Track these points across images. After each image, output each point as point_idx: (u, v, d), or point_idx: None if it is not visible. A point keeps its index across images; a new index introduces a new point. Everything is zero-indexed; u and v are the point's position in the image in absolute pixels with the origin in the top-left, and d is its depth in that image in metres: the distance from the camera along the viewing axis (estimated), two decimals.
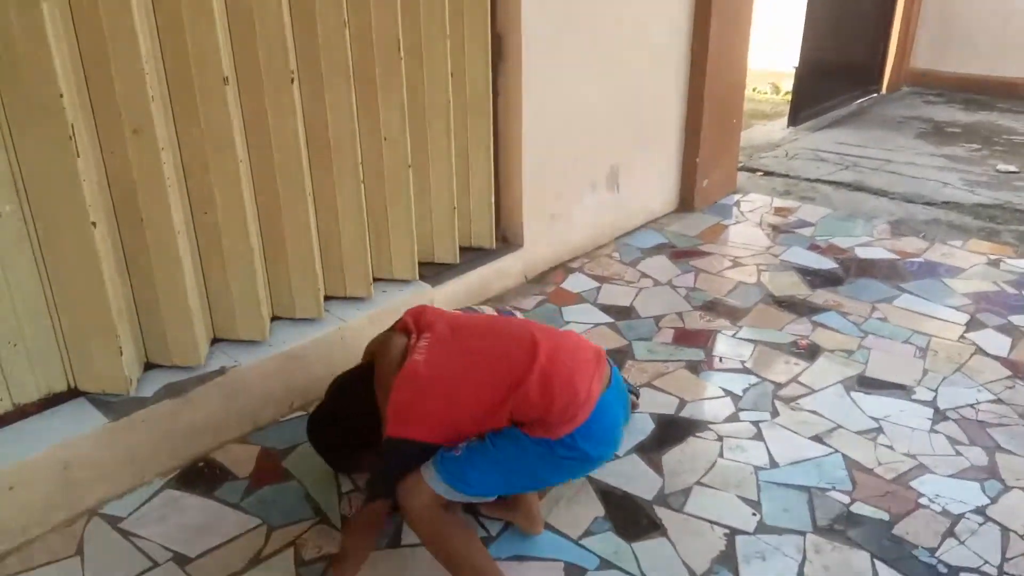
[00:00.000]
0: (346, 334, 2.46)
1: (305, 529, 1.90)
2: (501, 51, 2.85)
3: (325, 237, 2.44)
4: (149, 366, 2.17)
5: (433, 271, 2.81)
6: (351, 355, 2.46)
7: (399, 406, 1.68)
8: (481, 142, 2.83)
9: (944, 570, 1.76)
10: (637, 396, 2.32)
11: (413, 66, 2.52)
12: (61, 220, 1.83)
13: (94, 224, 1.84)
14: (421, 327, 1.84)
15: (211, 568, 1.79)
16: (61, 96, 1.71)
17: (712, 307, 2.97)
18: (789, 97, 5.96)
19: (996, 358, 2.60)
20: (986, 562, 1.78)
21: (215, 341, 2.30)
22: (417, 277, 2.71)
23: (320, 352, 2.40)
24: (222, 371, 2.19)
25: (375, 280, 2.60)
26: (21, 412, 1.96)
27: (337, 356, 2.44)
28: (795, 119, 5.81)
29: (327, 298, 2.50)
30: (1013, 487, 2.01)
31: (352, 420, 1.88)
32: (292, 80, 2.13)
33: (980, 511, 1.93)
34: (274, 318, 2.41)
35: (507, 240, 3.14)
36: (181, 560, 1.81)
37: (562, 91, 3.08)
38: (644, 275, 3.24)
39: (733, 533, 1.88)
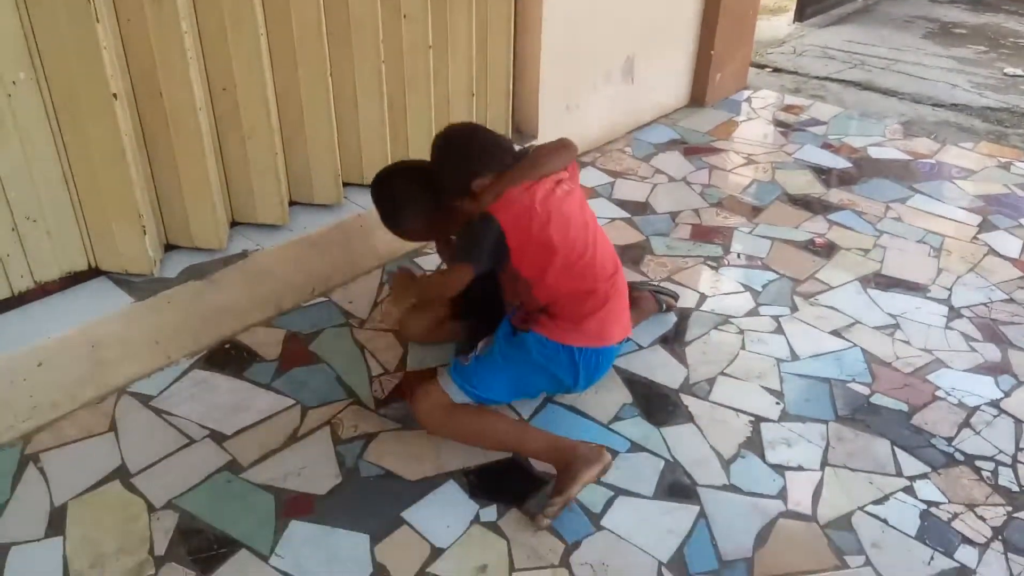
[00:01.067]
0: (365, 222, 2.41)
1: (340, 409, 1.92)
2: None
3: (344, 120, 2.35)
4: (169, 248, 2.13)
5: None
6: (370, 243, 2.44)
7: (509, 199, 1.72)
8: (501, 26, 2.71)
9: (961, 458, 1.83)
10: (676, 299, 2.30)
11: None
12: (80, 90, 1.74)
13: (115, 96, 1.75)
14: (572, 174, 1.90)
15: (249, 445, 1.81)
16: None
17: (728, 204, 2.95)
18: None
19: (1008, 259, 2.64)
20: (1001, 451, 1.85)
21: (235, 224, 2.25)
22: None
23: (339, 239, 2.37)
24: (244, 255, 2.15)
25: None
26: (43, 290, 1.93)
27: (356, 244, 2.41)
28: (801, 14, 5.65)
29: (346, 184, 2.44)
30: None
31: (444, 182, 1.87)
32: None
33: (994, 404, 2.00)
34: (293, 203, 2.36)
35: (521, 131, 3.06)
36: (218, 437, 1.83)
37: None
38: (658, 171, 3.20)
39: (758, 420, 1.93)
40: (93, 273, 2.00)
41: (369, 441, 1.83)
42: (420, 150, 2.57)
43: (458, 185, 1.79)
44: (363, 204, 2.42)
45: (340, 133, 2.34)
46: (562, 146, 1.86)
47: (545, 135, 3.05)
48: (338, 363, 2.07)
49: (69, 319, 1.87)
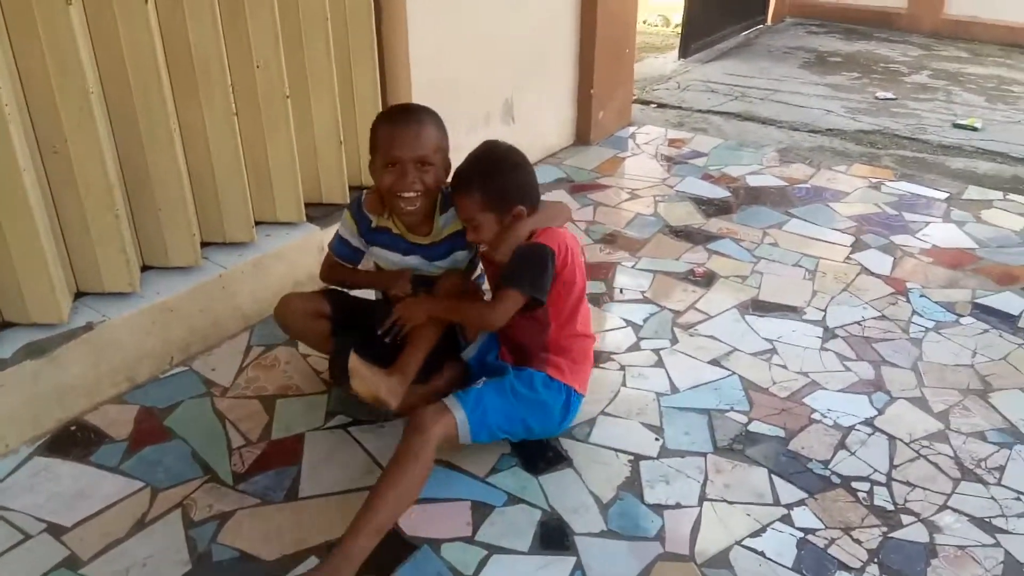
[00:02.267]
0: (227, 282, 2.30)
1: (194, 488, 1.78)
2: None
3: (196, 175, 2.24)
4: (5, 326, 1.96)
5: (322, 212, 2.64)
6: (234, 304, 2.32)
7: (554, 233, 1.82)
8: (366, 68, 2.65)
9: (837, 480, 1.82)
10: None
11: None
12: None
13: None
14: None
15: (90, 536, 1.65)
16: None
17: (611, 240, 2.95)
18: (679, 29, 5.97)
19: (880, 276, 2.70)
20: (875, 470, 1.85)
21: (79, 295, 2.09)
22: (304, 219, 2.55)
23: (199, 302, 2.24)
24: (89, 327, 2.00)
25: (257, 223, 2.43)
26: None
27: (219, 306, 2.29)
28: (685, 51, 5.83)
29: (205, 244, 2.32)
30: (898, 397, 2.10)
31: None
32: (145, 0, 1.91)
33: (868, 422, 2.01)
34: (145, 268, 2.22)
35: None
36: (56, 530, 1.67)
37: (450, 17, 2.93)
38: None
39: (637, 459, 1.88)
40: None
41: (224, 521, 1.69)
42: (287, 205, 2.49)
43: (506, 200, 1.80)
44: (225, 264, 2.30)
45: (194, 189, 2.23)
46: (565, 206, 2.04)
47: None
48: (195, 438, 1.93)
49: None
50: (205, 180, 2.26)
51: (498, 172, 1.82)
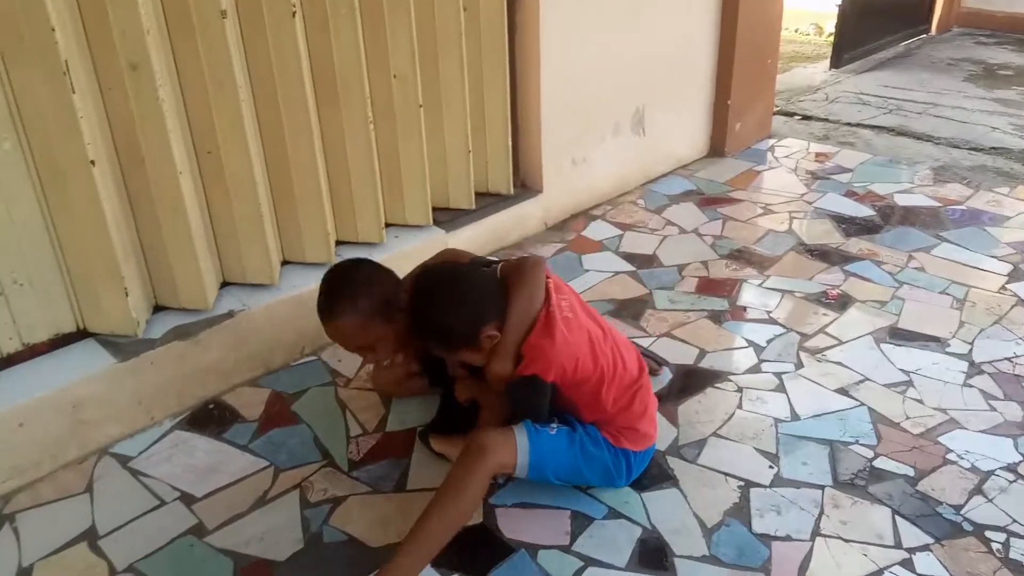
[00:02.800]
0: None
1: (312, 472, 1.88)
2: None
3: (334, 179, 2.37)
4: (159, 308, 2.16)
5: (448, 216, 2.73)
6: None
7: (544, 351, 1.61)
8: (497, 80, 2.72)
9: (969, 528, 1.68)
10: (660, 366, 2.17)
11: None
12: (60, 158, 1.79)
13: (93, 163, 1.79)
14: (558, 285, 1.75)
15: (217, 507, 1.78)
16: (53, 30, 1.66)
17: (739, 256, 2.86)
18: (832, 38, 5.69)
19: None
20: (1015, 520, 1.69)
21: (225, 284, 2.27)
22: (431, 222, 2.65)
23: None
24: (231, 314, 2.16)
25: (387, 225, 2.54)
26: (31, 351, 1.96)
27: None
28: (838, 61, 5.54)
29: (339, 243, 2.45)
30: None
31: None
32: (293, 14, 2.05)
33: (1011, 468, 1.84)
34: (285, 262, 2.38)
35: (526, 185, 3.05)
36: (188, 499, 1.81)
37: (584, 27, 2.95)
38: (669, 223, 3.13)
39: (748, 485, 1.81)
40: (82, 334, 2.04)
41: (337, 505, 1.78)
42: (416, 209, 2.59)
43: (464, 338, 1.64)
44: None
45: (332, 192, 2.37)
46: (532, 268, 1.71)
47: (550, 190, 3.04)
48: (318, 424, 2.04)
49: (51, 380, 1.89)
50: (341, 183, 2.39)
51: (436, 316, 1.65)
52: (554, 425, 1.71)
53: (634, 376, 1.76)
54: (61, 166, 1.80)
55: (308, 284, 2.31)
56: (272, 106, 2.15)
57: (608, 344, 1.73)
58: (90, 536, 1.72)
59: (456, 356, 1.71)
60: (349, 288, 1.75)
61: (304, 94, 2.14)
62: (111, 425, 1.99)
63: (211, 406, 2.12)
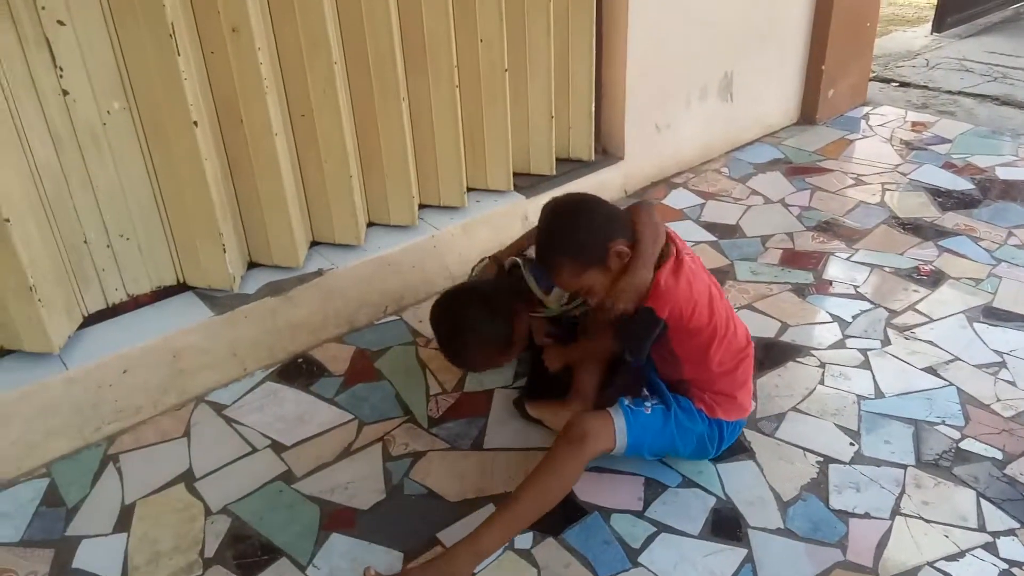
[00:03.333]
0: (438, 243, 2.46)
1: (394, 426, 1.95)
2: None
3: (420, 143, 2.41)
4: (252, 265, 2.25)
5: (528, 182, 2.74)
6: (443, 263, 2.49)
7: (669, 288, 1.62)
8: (583, 45, 2.69)
9: None
10: None
11: None
12: (165, 118, 1.88)
13: (195, 123, 1.88)
14: (681, 246, 1.75)
15: (305, 456, 1.88)
16: None
17: (827, 228, 2.78)
18: (935, 1, 5.39)
19: None
20: None
21: (314, 244, 2.35)
22: (512, 188, 2.66)
23: (413, 259, 2.42)
24: (320, 273, 2.24)
25: (469, 190, 2.57)
26: (135, 302, 2.09)
27: (429, 264, 2.46)
28: (940, 25, 5.25)
29: (421, 206, 2.50)
30: None
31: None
32: None
33: None
34: (370, 224, 2.44)
35: (607, 152, 3.02)
36: (277, 447, 1.91)
37: None
38: (754, 192, 3.06)
39: (827, 461, 1.79)
40: (181, 288, 2.15)
41: (417, 460, 1.85)
42: (498, 174, 2.61)
43: (595, 253, 1.64)
44: (437, 225, 2.47)
45: (416, 156, 2.41)
46: (651, 208, 1.76)
47: (633, 157, 3.01)
48: (399, 381, 2.11)
49: (154, 330, 2.01)
50: (426, 147, 2.43)
51: (568, 231, 1.66)
52: (648, 404, 1.70)
53: (742, 344, 1.74)
54: (166, 126, 1.89)
55: (392, 246, 2.38)
56: (363, 71, 2.19)
57: (723, 304, 1.73)
58: (187, 478, 1.84)
59: (583, 280, 1.65)
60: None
61: (394, 58, 2.18)
62: (207, 374, 2.10)
63: (300, 360, 2.22)
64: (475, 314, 1.86)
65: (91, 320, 2.02)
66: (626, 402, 1.70)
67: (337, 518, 1.71)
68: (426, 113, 2.38)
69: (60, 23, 1.75)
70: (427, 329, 2.30)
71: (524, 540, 1.63)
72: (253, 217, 2.18)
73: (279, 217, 2.16)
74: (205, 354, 2.08)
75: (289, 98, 2.13)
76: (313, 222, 2.33)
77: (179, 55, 1.80)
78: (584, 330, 1.95)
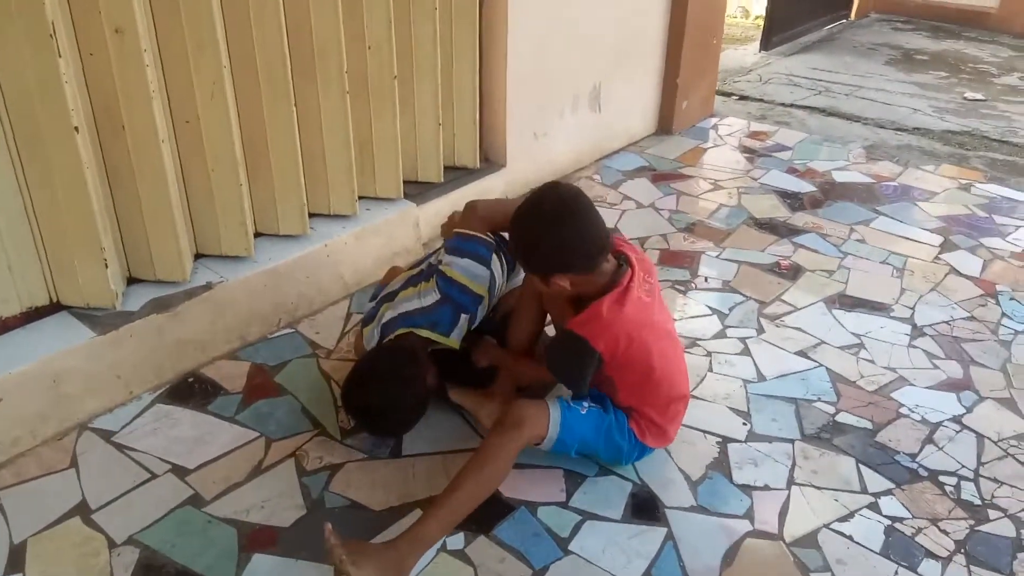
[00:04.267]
0: (331, 251, 2.42)
1: (305, 440, 1.90)
2: None
3: (309, 151, 2.36)
4: (133, 281, 2.11)
5: (417, 190, 2.75)
6: (337, 272, 2.45)
7: (603, 317, 1.61)
8: (467, 54, 2.75)
9: (924, 473, 1.85)
10: None
11: None
12: (41, 124, 1.74)
13: (76, 129, 1.75)
14: (647, 267, 1.77)
15: (212, 478, 1.79)
16: None
17: (695, 229, 2.99)
18: (759, 21, 5.92)
19: (969, 278, 2.69)
20: (963, 466, 1.87)
21: (199, 256, 2.24)
22: (402, 195, 2.66)
23: (306, 269, 2.36)
24: (208, 286, 2.14)
25: (360, 198, 2.54)
26: (3, 325, 1.90)
27: (323, 274, 2.41)
28: (767, 43, 5.77)
29: (311, 215, 2.44)
30: (987, 397, 2.11)
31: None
32: None
33: (957, 420, 2.02)
34: (258, 235, 2.35)
35: (489, 159, 3.09)
36: (180, 471, 1.81)
37: (548, 7, 3.00)
38: (626, 197, 3.24)
39: (725, 441, 1.94)
40: (54, 308, 1.98)
41: (335, 472, 1.81)
42: (388, 181, 2.60)
43: (539, 267, 1.68)
44: (329, 234, 2.42)
45: (306, 164, 2.35)
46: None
47: (514, 164, 3.09)
48: (303, 394, 2.05)
49: (30, 354, 1.84)
50: (316, 155, 2.38)
51: (526, 243, 1.69)
52: (586, 404, 1.75)
53: (682, 389, 1.82)
54: (43, 133, 1.75)
55: (282, 256, 2.31)
56: (251, 75, 2.12)
57: (672, 347, 1.77)
58: (82, 510, 1.70)
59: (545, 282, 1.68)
60: None
61: (284, 62, 2.12)
62: (90, 399, 1.95)
63: (191, 379, 2.10)
64: (393, 394, 1.78)
65: None
66: (564, 400, 1.75)
67: (257, 538, 1.64)
68: (315, 120, 2.33)
69: None
70: (326, 340, 2.28)
71: (456, 540, 1.64)
72: (134, 229, 2.04)
73: (163, 229, 2.04)
74: (87, 378, 1.93)
75: (173, 103, 2.02)
76: (198, 233, 2.22)
77: (60, 56, 1.67)
78: (511, 333, 1.98)
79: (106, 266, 1.92)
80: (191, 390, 2.07)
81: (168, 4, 1.89)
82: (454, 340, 1.89)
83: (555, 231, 1.60)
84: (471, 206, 1.99)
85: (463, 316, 1.87)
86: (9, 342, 1.87)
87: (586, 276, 1.65)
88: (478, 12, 2.72)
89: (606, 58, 3.42)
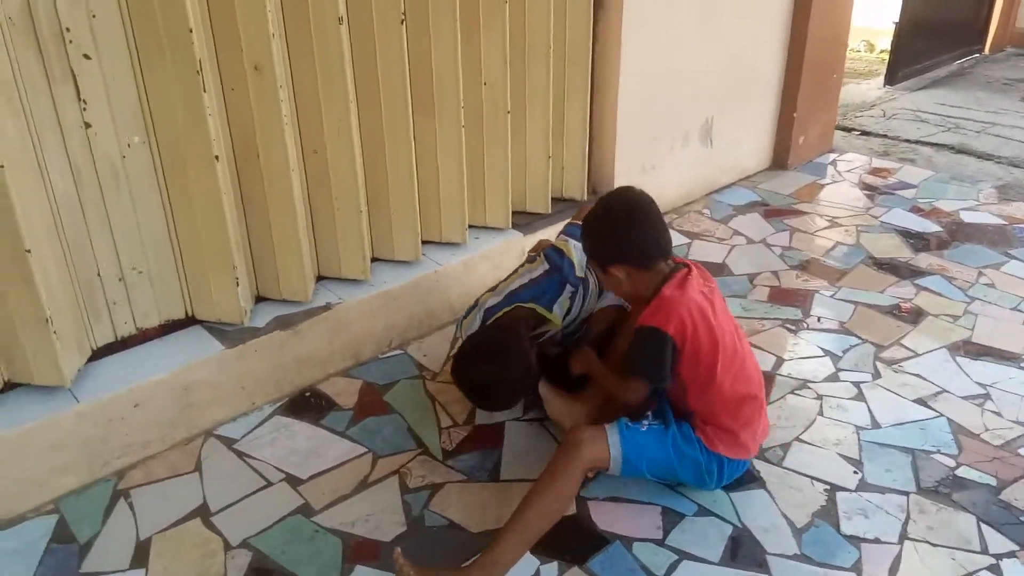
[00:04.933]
0: (441, 278, 2.50)
1: (409, 459, 1.97)
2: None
3: (425, 182, 2.46)
4: (260, 299, 2.26)
5: (525, 220, 2.81)
6: (446, 297, 2.53)
7: (667, 300, 1.68)
8: (578, 90, 2.80)
9: None
10: None
11: (515, 10, 2.50)
12: (186, 153, 1.90)
13: (217, 158, 1.90)
14: (704, 274, 1.83)
15: (322, 489, 1.87)
16: (191, 31, 1.76)
17: (808, 267, 2.91)
18: (884, 55, 5.74)
19: None
20: None
21: (320, 279, 2.37)
22: (510, 225, 2.73)
23: (417, 294, 2.45)
24: (327, 307, 2.26)
25: (469, 227, 2.63)
26: (143, 335, 2.08)
27: (432, 299, 2.50)
28: (892, 78, 5.57)
29: (424, 242, 2.54)
30: None
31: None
32: (402, 21, 2.15)
33: None
34: (375, 259, 2.47)
35: (597, 192, 3.11)
36: (293, 481, 1.90)
37: (660, 40, 3.02)
38: (737, 232, 3.19)
39: (834, 489, 1.86)
40: (190, 321, 2.14)
41: (435, 491, 1.86)
42: (497, 212, 2.67)
43: (599, 256, 1.80)
44: (440, 261, 2.51)
45: (421, 194, 2.46)
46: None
47: None
48: (410, 414, 2.13)
49: (164, 364, 2.00)
50: (431, 185, 2.48)
51: (592, 231, 1.82)
52: (645, 422, 1.78)
53: (752, 385, 1.78)
54: (186, 161, 1.91)
55: (396, 281, 2.41)
56: (374, 110, 2.24)
57: (733, 336, 1.77)
58: (203, 512, 1.82)
59: (604, 271, 1.79)
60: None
61: (405, 98, 2.24)
62: (216, 409, 2.09)
63: (307, 394, 2.22)
64: (499, 367, 1.87)
65: (99, 354, 2.00)
66: (624, 420, 1.77)
67: (360, 550, 1.71)
68: (431, 152, 2.44)
69: (86, 57, 1.77)
70: (432, 363, 2.35)
71: (550, 571, 1.65)
72: (264, 252, 2.19)
73: (290, 252, 2.18)
74: (215, 388, 2.07)
75: (303, 135, 2.17)
76: (320, 257, 2.35)
77: (204, 91, 1.82)
78: (612, 347, 2.00)
79: (237, 284, 2.07)
80: (308, 404, 2.18)
81: (302, 44, 2.04)
82: (556, 316, 1.96)
83: (617, 222, 1.76)
84: (584, 206, 2.07)
85: (567, 288, 1.96)
86: (147, 352, 2.03)
87: (642, 272, 1.75)
88: (591, 53, 2.77)
89: (718, 93, 3.40)
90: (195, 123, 1.86)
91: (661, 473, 1.80)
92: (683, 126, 3.31)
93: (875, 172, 3.84)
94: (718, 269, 2.88)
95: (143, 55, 1.82)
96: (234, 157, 2.05)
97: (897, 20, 5.36)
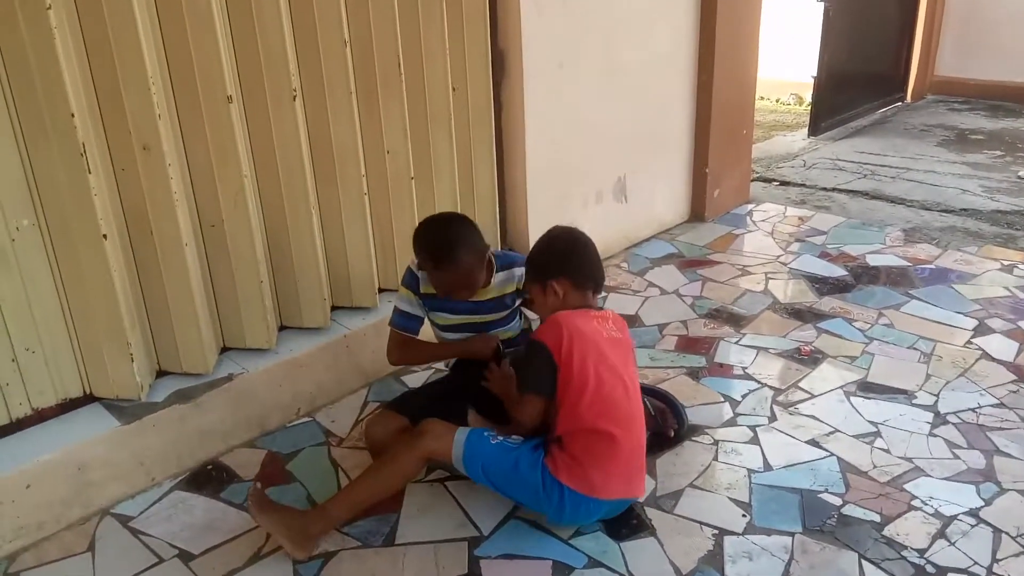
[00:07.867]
0: (351, 343, 2.53)
1: None
2: (504, 66, 2.93)
3: (331, 249, 2.52)
4: (161, 373, 2.27)
5: None
6: (356, 362, 2.54)
7: (551, 320, 1.88)
8: (484, 154, 2.90)
9: (932, 570, 1.76)
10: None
11: (414, 81, 2.60)
12: (74, 233, 1.94)
13: (105, 236, 1.94)
14: (619, 324, 2.02)
15: (213, 564, 1.86)
16: (72, 116, 1.82)
17: (717, 315, 2.99)
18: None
19: (1002, 362, 2.58)
20: (975, 563, 1.77)
21: (225, 350, 2.39)
22: None
23: (326, 360, 2.48)
24: (230, 378, 2.27)
25: (380, 290, 2.67)
26: (39, 416, 2.07)
27: (342, 363, 2.52)
28: (815, 129, 5.79)
29: (334, 308, 2.58)
30: (1009, 489, 2.00)
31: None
32: (294, 97, 2.23)
33: (973, 513, 1.92)
34: (282, 327, 2.50)
35: (513, 250, 3.19)
36: (185, 557, 1.89)
37: (566, 102, 3.14)
38: (651, 284, 3.27)
39: (722, 533, 1.90)
40: (88, 399, 2.14)
41: (328, 560, 1.86)
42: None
43: (544, 271, 1.98)
44: (350, 325, 2.55)
45: (328, 260, 2.51)
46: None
47: None
48: (311, 482, 2.13)
49: (58, 442, 1.99)
50: (338, 252, 2.53)
51: (540, 251, 2.05)
52: (500, 437, 1.90)
53: (613, 429, 1.81)
54: (75, 240, 1.94)
55: (304, 348, 2.43)
56: (273, 182, 2.31)
57: (621, 388, 1.85)
58: None
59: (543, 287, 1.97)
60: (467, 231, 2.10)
61: (303, 170, 2.30)
62: (114, 486, 2.08)
63: (209, 467, 2.21)
64: (467, 227, 2.11)
65: None
66: (482, 429, 1.92)
67: None
68: (336, 219, 2.50)
69: None
70: (340, 429, 2.36)
71: None
72: (162, 325, 2.21)
73: (188, 325, 2.20)
74: (111, 465, 2.06)
75: (199, 209, 2.21)
76: (224, 328, 2.38)
77: (90, 172, 1.87)
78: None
79: (132, 360, 2.08)
80: (208, 477, 2.18)
81: (193, 122, 2.10)
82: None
83: (563, 243, 2.02)
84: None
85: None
86: (41, 432, 2.03)
87: (576, 294, 1.94)
88: (493, 117, 2.88)
89: (631, 150, 3.52)
90: (82, 203, 1.90)
91: (502, 485, 1.88)
92: (595, 183, 3.42)
93: (789, 220, 3.98)
94: (631, 320, 2.95)
95: (28, 139, 1.86)
96: (128, 234, 2.09)
97: (815, 74, 5.61)
